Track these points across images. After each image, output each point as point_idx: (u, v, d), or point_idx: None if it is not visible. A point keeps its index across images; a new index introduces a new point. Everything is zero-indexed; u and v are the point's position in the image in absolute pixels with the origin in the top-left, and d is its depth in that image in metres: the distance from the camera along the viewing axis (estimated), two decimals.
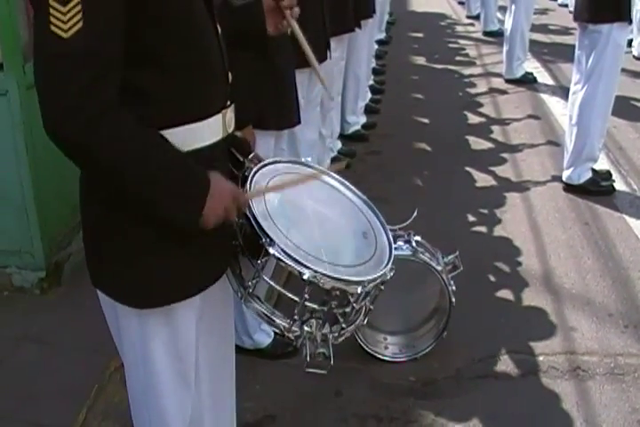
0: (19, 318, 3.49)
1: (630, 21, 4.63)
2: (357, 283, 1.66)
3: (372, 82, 7.22)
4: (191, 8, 1.58)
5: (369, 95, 6.82)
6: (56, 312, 3.52)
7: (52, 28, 1.39)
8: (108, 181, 1.55)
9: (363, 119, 6.28)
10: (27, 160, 3.47)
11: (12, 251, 3.65)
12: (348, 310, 1.70)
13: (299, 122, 3.18)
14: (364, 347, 3.23)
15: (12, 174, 3.50)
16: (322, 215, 1.82)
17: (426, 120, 6.70)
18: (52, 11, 1.39)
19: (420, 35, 10.40)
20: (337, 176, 1.99)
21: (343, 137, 5.91)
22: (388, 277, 1.75)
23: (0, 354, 3.23)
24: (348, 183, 1.98)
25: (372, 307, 1.80)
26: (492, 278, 3.94)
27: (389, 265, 1.76)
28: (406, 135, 6.27)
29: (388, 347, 3.28)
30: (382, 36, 9.09)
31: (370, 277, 1.69)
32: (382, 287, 1.76)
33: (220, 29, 1.72)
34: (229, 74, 1.76)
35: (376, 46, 8.02)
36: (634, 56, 8.49)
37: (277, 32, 2.03)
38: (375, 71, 7.66)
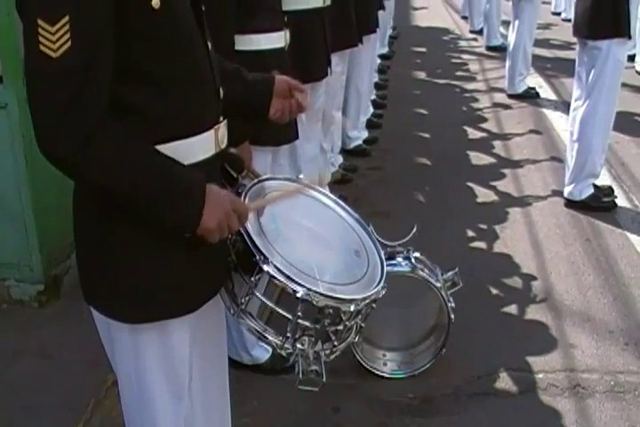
0: (17, 331, 3.49)
1: (629, 37, 4.60)
2: (350, 301, 1.66)
3: (373, 97, 7.23)
4: (179, 23, 1.57)
5: (371, 110, 6.82)
6: (54, 326, 3.52)
7: (42, 47, 1.40)
8: (101, 193, 1.55)
9: (364, 134, 6.28)
10: (26, 173, 3.49)
11: (10, 264, 3.66)
12: (340, 327, 1.69)
13: (296, 137, 3.17)
14: (363, 363, 3.22)
15: (12, 187, 3.52)
16: (314, 233, 1.82)
17: (427, 135, 6.70)
18: (40, 30, 1.39)
19: (423, 49, 10.43)
20: (330, 195, 1.99)
21: (345, 152, 5.91)
22: (381, 296, 1.75)
23: None
24: (341, 202, 1.98)
25: (363, 325, 1.79)
26: (492, 295, 3.92)
27: (382, 283, 1.75)
28: (408, 150, 6.27)
29: (387, 363, 3.26)
30: (385, 50, 9.11)
31: (362, 296, 1.69)
32: (374, 306, 1.76)
33: (210, 46, 1.72)
34: (221, 90, 1.76)
35: (378, 61, 8.03)
36: (637, 71, 8.50)
37: (276, 118, 2.03)
38: (377, 86, 7.67)
